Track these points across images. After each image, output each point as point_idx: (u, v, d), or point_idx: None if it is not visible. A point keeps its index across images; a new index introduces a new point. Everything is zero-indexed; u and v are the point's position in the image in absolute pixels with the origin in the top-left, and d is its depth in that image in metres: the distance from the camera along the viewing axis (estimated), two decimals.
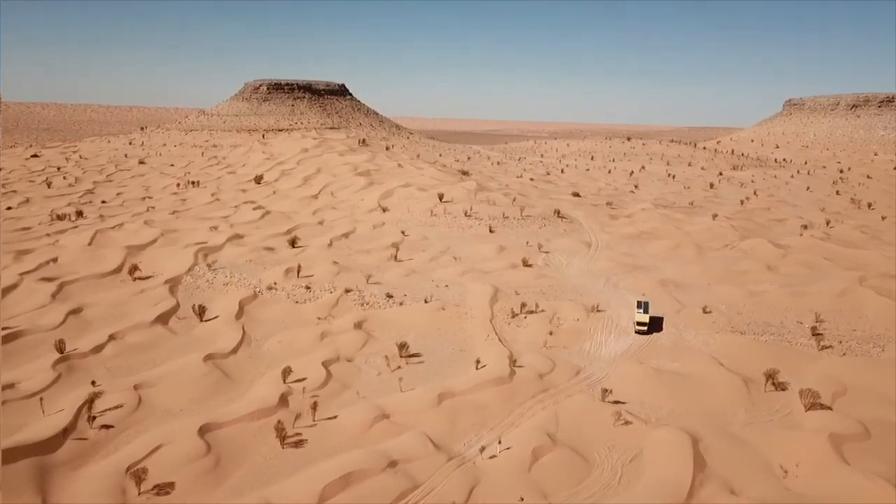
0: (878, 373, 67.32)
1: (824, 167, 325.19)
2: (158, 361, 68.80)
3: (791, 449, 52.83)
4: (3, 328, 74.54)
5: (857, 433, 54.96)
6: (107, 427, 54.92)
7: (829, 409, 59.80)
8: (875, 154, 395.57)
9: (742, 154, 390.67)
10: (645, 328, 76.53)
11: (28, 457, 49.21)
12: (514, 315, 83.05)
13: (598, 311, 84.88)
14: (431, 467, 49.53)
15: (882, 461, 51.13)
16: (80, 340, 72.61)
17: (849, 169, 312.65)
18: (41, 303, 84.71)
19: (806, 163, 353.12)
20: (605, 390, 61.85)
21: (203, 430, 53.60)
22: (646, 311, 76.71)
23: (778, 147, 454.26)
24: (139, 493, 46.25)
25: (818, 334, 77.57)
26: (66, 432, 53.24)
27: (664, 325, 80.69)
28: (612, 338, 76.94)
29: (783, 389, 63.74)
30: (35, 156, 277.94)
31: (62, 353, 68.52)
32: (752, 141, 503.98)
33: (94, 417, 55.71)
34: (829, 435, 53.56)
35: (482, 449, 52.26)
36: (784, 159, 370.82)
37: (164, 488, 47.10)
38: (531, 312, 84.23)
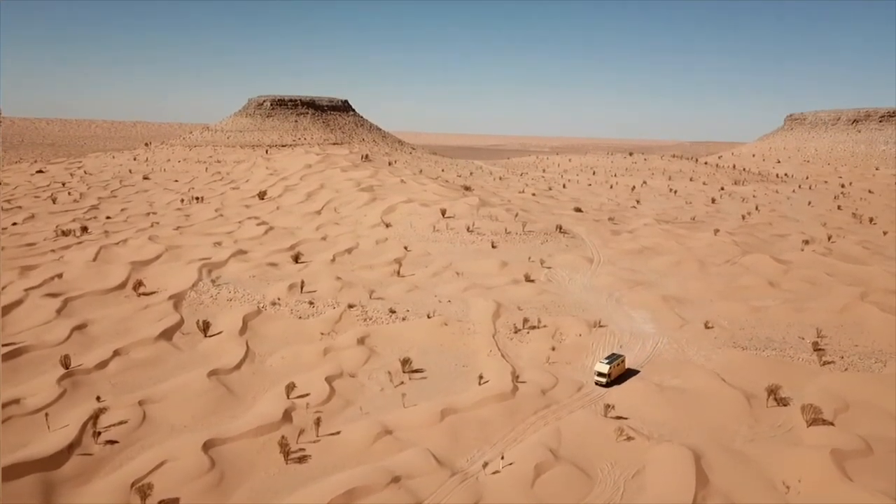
0: (879, 388, 67.40)
1: (826, 182, 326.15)
2: (163, 377, 69.25)
3: (793, 465, 52.81)
4: (9, 344, 75.14)
5: (859, 449, 54.99)
6: (112, 442, 55.32)
7: (832, 424, 59.84)
8: (876, 169, 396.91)
9: (744, 169, 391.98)
10: (604, 380, 68.03)
11: (34, 472, 49.63)
12: (516, 330, 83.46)
13: (601, 326, 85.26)
14: (434, 483, 49.69)
15: (884, 478, 51.07)
16: (85, 356, 73.14)
17: (850, 184, 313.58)
18: (46, 318, 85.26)
19: (807, 177, 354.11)
20: (608, 406, 62.03)
21: (207, 446, 53.90)
22: (611, 363, 69.01)
23: (779, 162, 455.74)
24: None
25: (820, 350, 77.75)
26: (71, 448, 53.63)
27: (667, 339, 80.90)
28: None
29: (785, 405, 63.85)
30: (40, 171, 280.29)
31: (67, 368, 69.07)
32: (754, 156, 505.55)
33: (100, 433, 56.12)
34: (831, 451, 53.54)
35: (485, 464, 52.40)
36: (786, 174, 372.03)
37: None
38: (533, 328, 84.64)
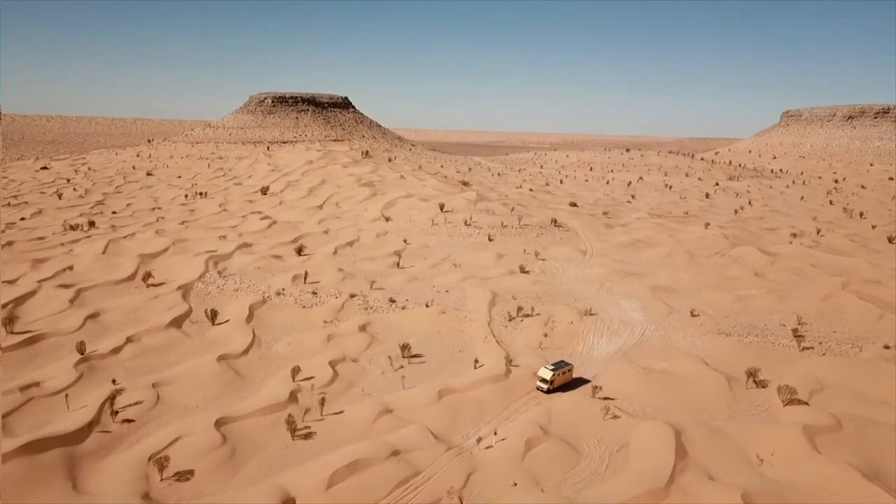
0: (854, 372, 71.18)
1: (820, 178, 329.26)
2: (174, 362, 72.93)
3: (767, 440, 56.57)
4: (26, 331, 78.75)
5: (829, 426, 58.74)
6: (128, 421, 58.98)
7: (806, 404, 63.55)
8: (871, 164, 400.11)
9: (739, 165, 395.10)
10: (545, 386, 66.06)
11: (57, 447, 53.21)
12: (511, 318, 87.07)
13: (591, 314, 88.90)
14: (432, 456, 53.37)
15: (852, 451, 54.81)
16: (99, 342, 76.80)
17: (844, 179, 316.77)
18: (60, 308, 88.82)
19: (802, 173, 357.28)
20: (596, 387, 65.68)
21: (219, 424, 57.65)
22: (556, 370, 66.66)
23: (775, 158, 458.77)
24: (161, 480, 50.18)
25: (799, 336, 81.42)
26: (91, 425, 57.32)
27: (654, 326, 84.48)
28: (603, 339, 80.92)
29: (763, 387, 67.55)
30: (44, 168, 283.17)
31: (83, 354, 72.66)
32: (750, 152, 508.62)
33: (117, 412, 59.83)
34: (803, 427, 57.34)
35: (479, 440, 56.05)
36: (780, 170, 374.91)
37: (184, 475, 51.01)
38: (527, 316, 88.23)
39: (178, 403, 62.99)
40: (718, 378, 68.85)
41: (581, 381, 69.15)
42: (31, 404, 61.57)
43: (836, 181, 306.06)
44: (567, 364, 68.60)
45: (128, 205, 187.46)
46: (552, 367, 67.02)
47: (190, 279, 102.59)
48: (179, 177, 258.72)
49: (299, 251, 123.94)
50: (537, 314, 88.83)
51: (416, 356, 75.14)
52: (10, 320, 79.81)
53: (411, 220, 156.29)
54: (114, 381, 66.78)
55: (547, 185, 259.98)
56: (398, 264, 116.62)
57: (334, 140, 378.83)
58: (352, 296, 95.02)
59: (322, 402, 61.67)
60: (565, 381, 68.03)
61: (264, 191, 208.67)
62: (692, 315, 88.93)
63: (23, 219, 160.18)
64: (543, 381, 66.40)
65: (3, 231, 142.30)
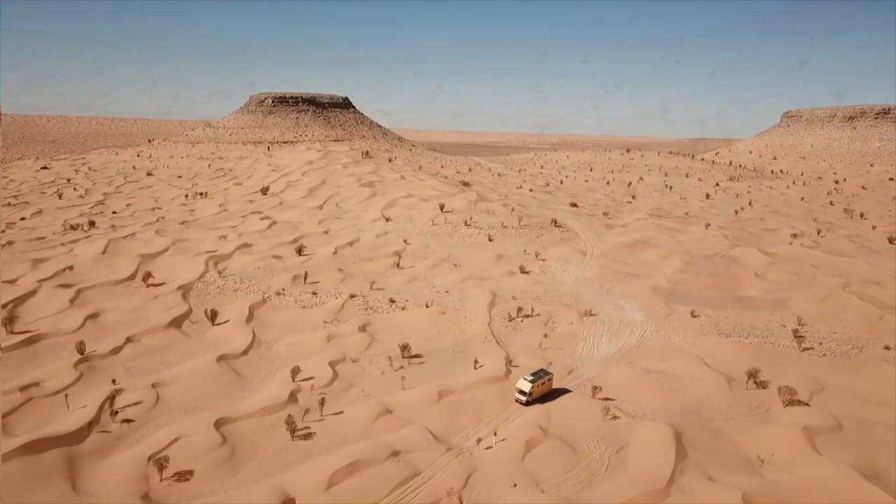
0: (855, 372, 71.31)
1: (820, 178, 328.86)
2: (174, 362, 72.92)
3: (767, 441, 56.67)
4: (26, 331, 78.80)
5: (829, 426, 58.84)
6: (128, 421, 59.01)
7: (806, 405, 63.62)
8: (871, 165, 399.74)
9: (740, 165, 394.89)
10: (524, 398, 63.34)
11: (57, 447, 53.26)
12: (511, 319, 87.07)
13: (591, 315, 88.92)
14: (431, 457, 53.41)
15: (851, 452, 54.90)
16: (99, 342, 76.77)
17: (844, 180, 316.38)
18: (60, 308, 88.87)
19: (802, 174, 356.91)
20: (596, 388, 65.66)
21: (219, 424, 57.67)
22: (535, 381, 63.92)
23: (776, 158, 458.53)
24: (161, 480, 50.21)
25: (800, 337, 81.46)
26: (90, 426, 57.35)
27: (654, 327, 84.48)
28: (603, 340, 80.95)
29: (764, 387, 67.56)
30: (45, 168, 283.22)
31: (83, 354, 72.66)
32: (751, 152, 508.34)
33: (116, 412, 59.86)
34: (803, 428, 57.48)
35: (479, 440, 56.04)
36: (781, 170, 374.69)
37: (184, 475, 51.04)
38: (527, 316, 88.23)
39: (177, 404, 63.00)
40: (718, 379, 68.90)
41: (562, 392, 66.27)
42: (30, 404, 61.60)
43: (837, 182, 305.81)
44: (547, 373, 65.83)
45: (128, 205, 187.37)
46: (531, 378, 64.19)
47: (190, 279, 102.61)
48: (180, 177, 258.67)
49: (299, 251, 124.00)
50: (537, 315, 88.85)
51: (415, 356, 75.14)
52: (10, 320, 79.85)
53: (411, 221, 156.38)
54: (114, 382, 66.77)
55: (547, 185, 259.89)
56: (398, 265, 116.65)
57: (334, 140, 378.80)
58: (352, 296, 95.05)
59: (322, 402, 61.67)
60: (545, 392, 65.28)
61: (264, 191, 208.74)
62: (692, 316, 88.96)
63: (23, 219, 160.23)
64: (522, 392, 63.55)
65: (4, 231, 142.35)
